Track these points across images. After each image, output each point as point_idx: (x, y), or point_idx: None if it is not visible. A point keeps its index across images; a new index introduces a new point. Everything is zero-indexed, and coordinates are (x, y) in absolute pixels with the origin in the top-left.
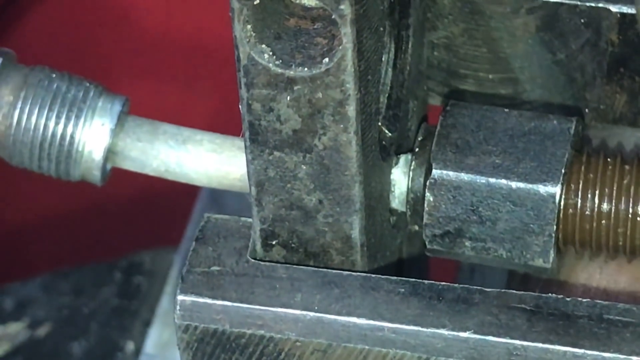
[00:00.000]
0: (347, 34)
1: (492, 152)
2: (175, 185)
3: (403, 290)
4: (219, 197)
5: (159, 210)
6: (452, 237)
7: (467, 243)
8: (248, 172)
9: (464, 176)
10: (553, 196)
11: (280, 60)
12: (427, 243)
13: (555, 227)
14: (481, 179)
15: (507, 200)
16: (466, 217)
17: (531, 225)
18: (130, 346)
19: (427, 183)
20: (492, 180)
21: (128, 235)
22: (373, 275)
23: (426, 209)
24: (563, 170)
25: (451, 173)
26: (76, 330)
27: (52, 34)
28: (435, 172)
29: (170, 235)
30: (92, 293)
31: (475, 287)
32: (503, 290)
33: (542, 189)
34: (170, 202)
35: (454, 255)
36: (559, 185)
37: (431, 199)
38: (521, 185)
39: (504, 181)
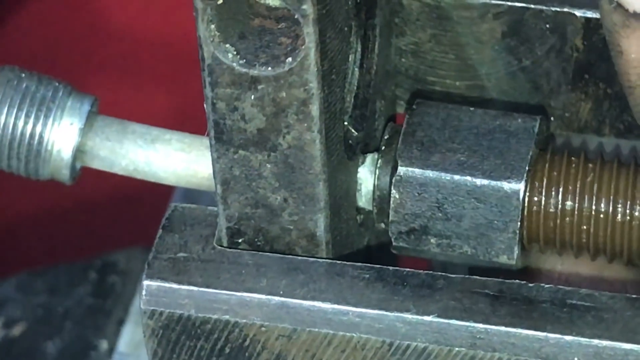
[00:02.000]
0: (309, 34)
1: (457, 149)
2: (149, 185)
3: (368, 275)
4: (193, 197)
5: (133, 210)
6: (418, 234)
7: (433, 240)
8: (214, 170)
9: (429, 173)
10: (517, 193)
11: (244, 60)
12: (392, 240)
13: (519, 223)
14: (446, 176)
15: (472, 197)
16: (431, 214)
17: (495, 222)
18: (104, 345)
19: (393, 180)
20: (457, 177)
21: (103, 235)
22: (338, 262)
23: (392, 206)
24: (527, 168)
25: (417, 170)
26: (51, 329)
27: (25, 34)
28: (401, 170)
29: (144, 235)
30: (67, 292)
31: (439, 273)
32: (467, 276)
33: (506, 185)
34: (144, 202)
35: (419, 252)
36: (523, 182)
37: (397, 196)
38: (485, 182)
39: (468, 178)
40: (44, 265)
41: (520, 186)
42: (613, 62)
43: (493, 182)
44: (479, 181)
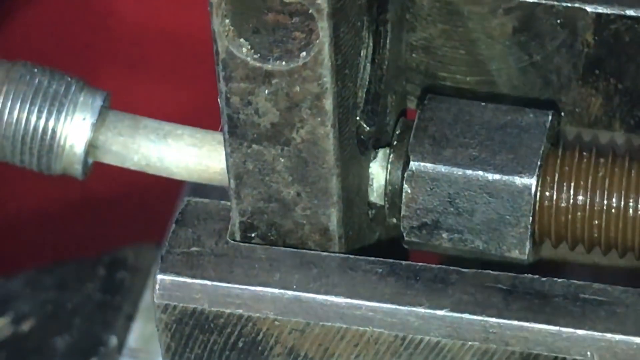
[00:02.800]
0: (324, 28)
1: (469, 144)
2: (158, 181)
3: (381, 270)
4: (202, 193)
5: (142, 206)
6: (430, 229)
7: (444, 235)
8: (227, 165)
9: (441, 168)
10: (529, 187)
11: (259, 54)
12: (404, 235)
13: (531, 218)
14: (458, 171)
15: (484, 191)
16: (443, 209)
17: (507, 217)
18: (113, 341)
19: (405, 175)
20: (469, 172)
21: (112, 231)
22: (351, 256)
23: (404, 200)
24: (539, 163)
25: (429, 165)
26: (60, 325)
27: (36, 30)
28: (413, 165)
29: (153, 231)
30: (76, 288)
31: (452, 267)
32: (479, 271)
33: (518, 180)
34: (153, 198)
35: (431, 247)
36: (535, 177)
37: (409, 190)
38: (497, 176)
39: (480, 173)
40: (53, 262)
41: (532, 181)
42: (623, 58)
43: (505, 177)
44: (491, 176)
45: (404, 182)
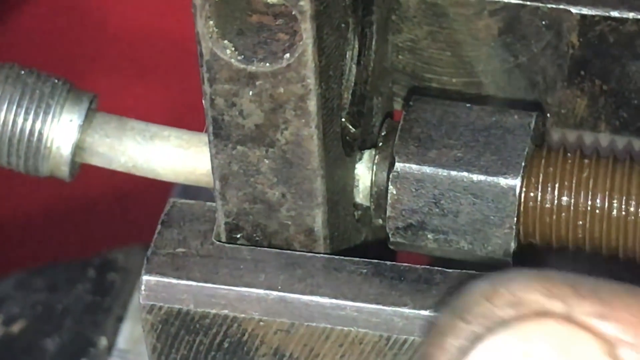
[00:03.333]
0: (307, 30)
1: (454, 145)
2: (148, 183)
3: (365, 270)
4: (191, 195)
5: (132, 208)
6: (415, 230)
7: (430, 235)
8: (212, 166)
9: (426, 169)
10: (513, 188)
11: (242, 56)
12: (390, 235)
13: (515, 219)
14: (443, 172)
15: (469, 192)
16: (428, 210)
17: (492, 218)
18: (103, 342)
19: (390, 176)
20: (454, 172)
21: (101, 233)
22: (336, 257)
23: (389, 201)
24: (523, 164)
25: (414, 166)
26: (50, 326)
27: (23, 32)
28: (398, 166)
29: (143, 233)
30: (66, 290)
31: (436, 268)
32: (463, 271)
33: (503, 181)
34: (143, 200)
35: (416, 248)
36: (519, 178)
37: (394, 192)
38: (482, 177)
39: (465, 174)
40: (43, 263)
41: (516, 182)
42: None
43: (489, 178)
44: (476, 177)
45: (389, 183)
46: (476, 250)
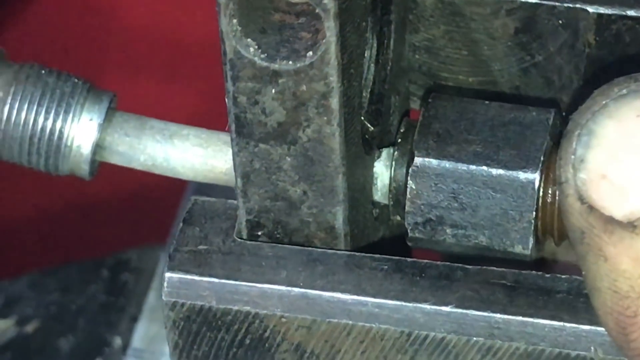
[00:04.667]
0: (330, 28)
1: (473, 141)
2: (161, 183)
3: (386, 267)
4: (204, 195)
5: (145, 208)
6: (434, 225)
7: (448, 230)
8: (234, 164)
9: (446, 164)
10: (532, 182)
11: (266, 54)
12: (408, 231)
13: (534, 213)
14: (462, 166)
15: (488, 187)
16: (447, 204)
17: (511, 212)
18: (117, 341)
19: (410, 171)
20: (473, 167)
21: (115, 232)
22: (357, 253)
23: (408, 196)
24: (542, 158)
25: (433, 161)
26: (64, 326)
27: (41, 32)
28: (418, 160)
29: (157, 233)
30: (80, 290)
31: (456, 264)
32: (484, 267)
33: (522, 175)
34: (157, 200)
35: (435, 243)
36: (538, 172)
37: (413, 186)
38: (501, 172)
39: (484, 168)
40: (57, 264)
41: (535, 176)
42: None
43: (509, 172)
44: (495, 171)
45: (409, 178)
46: (494, 246)
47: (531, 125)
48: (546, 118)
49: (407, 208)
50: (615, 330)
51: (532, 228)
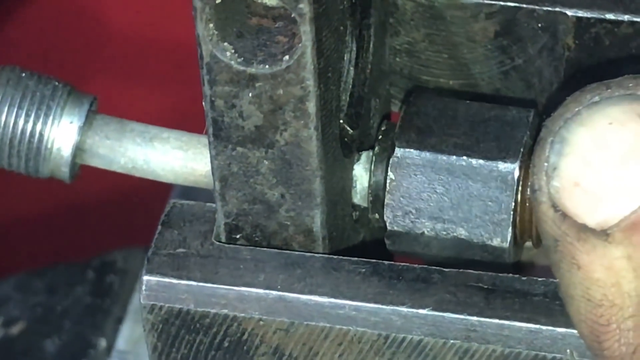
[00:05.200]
0: (306, 32)
1: (454, 134)
2: (146, 185)
3: (364, 270)
4: (190, 197)
5: (131, 210)
6: (413, 217)
7: (427, 223)
8: (212, 167)
9: (426, 154)
10: (512, 172)
11: (242, 58)
12: (387, 224)
13: (513, 204)
14: (442, 157)
15: (468, 177)
16: (427, 196)
17: (490, 203)
18: (102, 343)
19: (390, 162)
20: (453, 157)
21: (100, 234)
22: (335, 257)
23: (388, 188)
24: (522, 150)
25: (413, 151)
26: (50, 328)
27: (23, 36)
28: (398, 151)
29: (142, 235)
30: (65, 292)
31: (434, 267)
32: (461, 270)
33: (502, 165)
34: (142, 202)
35: (413, 239)
36: (518, 162)
37: (393, 177)
38: (481, 162)
39: (464, 158)
40: (43, 265)
41: (515, 166)
42: (603, 61)
43: (488, 162)
44: (475, 161)
45: (389, 169)
46: (473, 238)
47: (512, 122)
48: (526, 116)
49: (386, 200)
50: (589, 338)
51: (511, 220)
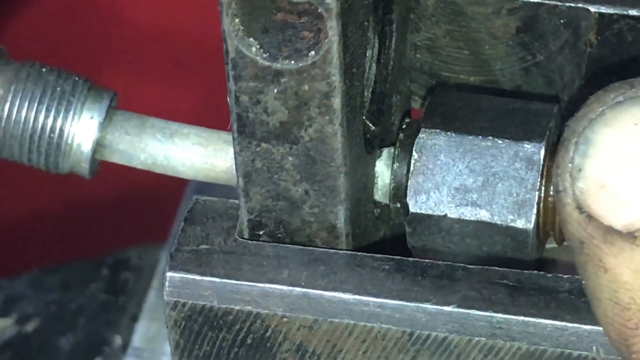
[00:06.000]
0: (332, 28)
1: (479, 119)
2: (161, 182)
3: (388, 267)
4: (205, 194)
5: (145, 207)
6: (436, 199)
7: (450, 205)
8: (236, 163)
9: (452, 135)
10: (538, 152)
11: (268, 54)
12: (409, 207)
13: (538, 184)
14: (468, 138)
15: (493, 158)
16: (451, 177)
17: (515, 183)
18: (117, 340)
19: (415, 143)
20: (479, 138)
21: (115, 232)
22: (358, 253)
23: (412, 169)
24: (547, 133)
25: (438, 132)
26: (64, 325)
27: (43, 30)
28: (423, 132)
29: (156, 232)
30: (80, 289)
31: (458, 264)
32: (486, 267)
33: (527, 145)
34: (156, 199)
35: (434, 224)
36: (544, 142)
37: (417, 157)
38: (507, 141)
39: (490, 138)
40: (57, 262)
41: (541, 145)
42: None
43: (514, 142)
44: (501, 141)
45: (413, 150)
46: (496, 220)
47: (536, 112)
48: (551, 107)
49: (409, 182)
50: (617, 341)
51: (536, 200)
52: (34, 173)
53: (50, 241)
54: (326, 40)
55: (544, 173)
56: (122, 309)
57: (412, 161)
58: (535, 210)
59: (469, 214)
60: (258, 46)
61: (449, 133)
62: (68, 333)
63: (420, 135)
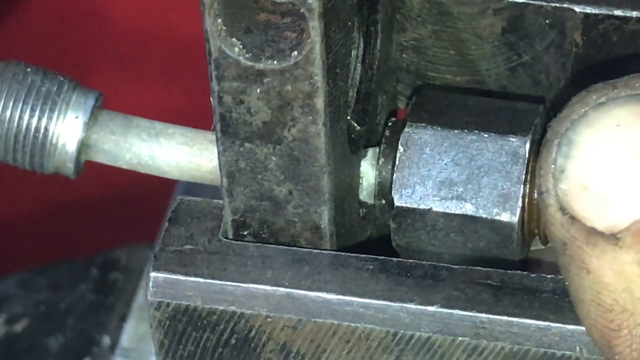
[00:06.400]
0: (315, 28)
1: (465, 115)
2: (150, 182)
3: (372, 267)
4: (194, 194)
5: (134, 207)
6: (422, 192)
7: (436, 198)
8: (219, 163)
9: (437, 129)
10: (523, 145)
11: (251, 54)
12: (395, 201)
13: (523, 177)
14: (453, 131)
15: (479, 152)
16: (436, 171)
17: (500, 176)
18: (106, 340)
19: (400, 137)
20: (464, 132)
21: (104, 232)
22: (342, 253)
23: (397, 163)
24: (533, 129)
25: (424, 126)
26: (53, 325)
27: (28, 31)
28: (409, 126)
29: (146, 232)
30: (69, 289)
31: (442, 264)
32: (469, 267)
33: (513, 138)
34: (145, 199)
35: (420, 219)
36: (530, 136)
37: (402, 151)
38: (493, 135)
39: (475, 132)
40: (46, 263)
41: (526, 139)
42: (611, 58)
43: (499, 136)
44: (486, 135)
45: (399, 144)
46: (482, 214)
47: (522, 110)
48: (536, 107)
49: (394, 176)
50: (600, 342)
51: (520, 193)
52: (24, 173)
53: (39, 241)
54: (309, 41)
55: (529, 169)
56: (111, 309)
57: (398, 155)
58: (520, 204)
59: (454, 207)
60: (241, 46)
61: (434, 127)
62: (57, 333)
63: (405, 129)
